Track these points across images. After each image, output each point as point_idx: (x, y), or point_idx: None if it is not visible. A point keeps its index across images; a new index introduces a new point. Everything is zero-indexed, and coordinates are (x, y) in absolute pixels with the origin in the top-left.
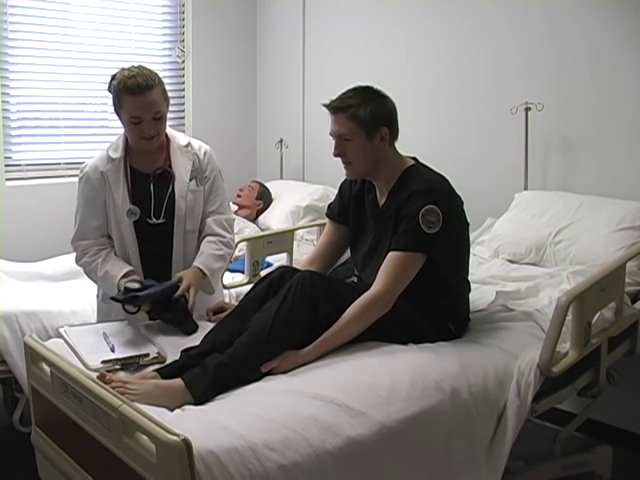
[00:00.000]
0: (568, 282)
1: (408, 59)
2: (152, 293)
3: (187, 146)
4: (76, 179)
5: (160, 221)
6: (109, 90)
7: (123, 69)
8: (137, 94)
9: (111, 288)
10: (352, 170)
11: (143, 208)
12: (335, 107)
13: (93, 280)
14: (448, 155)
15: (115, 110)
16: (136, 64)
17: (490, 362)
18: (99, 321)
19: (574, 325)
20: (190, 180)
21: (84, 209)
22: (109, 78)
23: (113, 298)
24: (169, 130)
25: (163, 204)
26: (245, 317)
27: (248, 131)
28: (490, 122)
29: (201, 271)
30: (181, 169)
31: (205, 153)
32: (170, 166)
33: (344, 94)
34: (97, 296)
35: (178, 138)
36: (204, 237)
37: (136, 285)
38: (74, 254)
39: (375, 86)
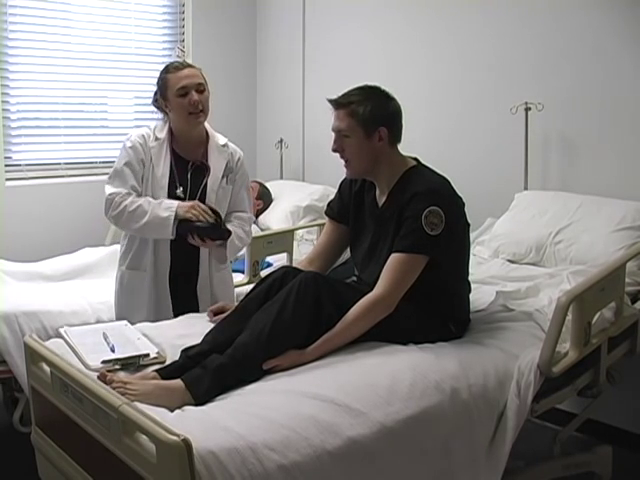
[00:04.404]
0: (568, 282)
1: (408, 59)
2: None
3: (224, 146)
4: (76, 179)
5: None
6: (157, 98)
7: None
8: (180, 69)
9: (163, 222)
10: (351, 169)
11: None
12: (337, 103)
13: (132, 219)
14: (448, 155)
15: (161, 97)
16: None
17: (490, 362)
18: (119, 315)
19: (574, 325)
20: (222, 177)
21: (125, 169)
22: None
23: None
24: (209, 128)
25: (196, 195)
26: (246, 317)
27: (248, 131)
28: (490, 122)
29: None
30: (216, 165)
31: (239, 159)
32: (206, 161)
33: (349, 91)
34: (117, 277)
35: (217, 137)
36: (233, 213)
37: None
38: (74, 254)
39: (382, 87)
